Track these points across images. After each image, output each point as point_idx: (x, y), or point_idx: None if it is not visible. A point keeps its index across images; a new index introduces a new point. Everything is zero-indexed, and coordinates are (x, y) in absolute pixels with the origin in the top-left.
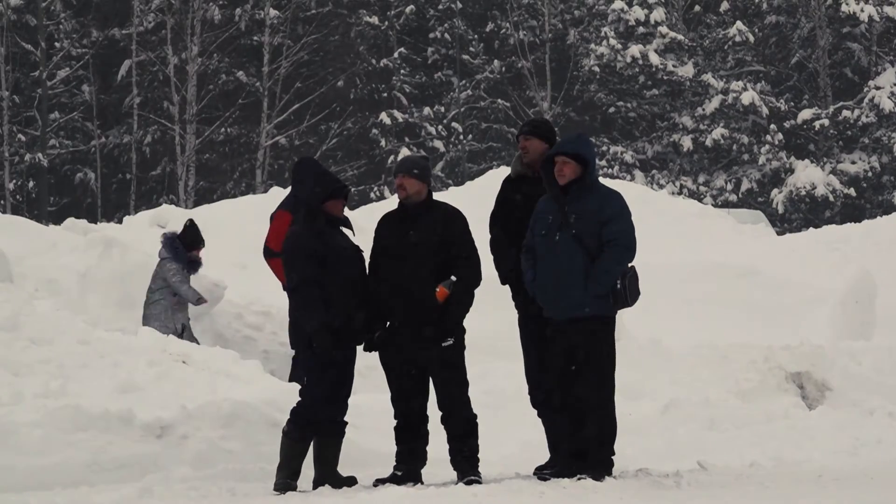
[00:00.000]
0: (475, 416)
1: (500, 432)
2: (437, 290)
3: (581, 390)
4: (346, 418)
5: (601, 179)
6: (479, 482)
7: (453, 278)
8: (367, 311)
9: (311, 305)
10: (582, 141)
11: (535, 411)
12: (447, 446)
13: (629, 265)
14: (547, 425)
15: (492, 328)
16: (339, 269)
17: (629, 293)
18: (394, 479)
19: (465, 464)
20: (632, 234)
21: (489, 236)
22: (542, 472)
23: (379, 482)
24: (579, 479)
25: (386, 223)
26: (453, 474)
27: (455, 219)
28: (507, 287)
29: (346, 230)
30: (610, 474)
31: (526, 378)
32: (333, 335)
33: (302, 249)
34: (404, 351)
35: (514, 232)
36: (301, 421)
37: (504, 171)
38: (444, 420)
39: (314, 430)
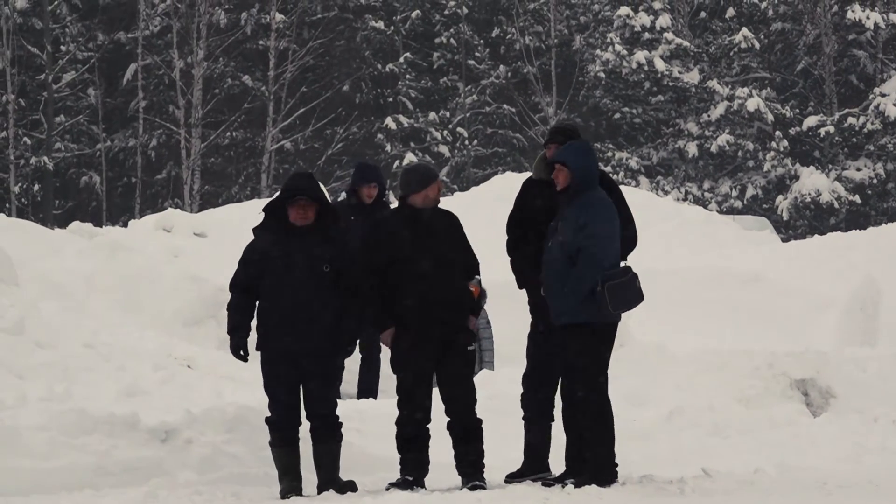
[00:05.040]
0: (480, 422)
1: (505, 438)
2: (473, 289)
3: (573, 398)
4: (345, 422)
5: None
6: (484, 487)
7: (478, 277)
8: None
9: (232, 308)
10: (569, 148)
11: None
12: (452, 451)
13: (627, 268)
14: (528, 429)
15: (498, 333)
16: (279, 277)
17: (612, 300)
18: (404, 485)
19: (470, 469)
20: (600, 242)
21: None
22: (547, 479)
23: (392, 486)
24: (583, 485)
25: (403, 227)
26: (458, 479)
27: (456, 221)
28: (516, 292)
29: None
30: (615, 480)
31: (522, 381)
32: (243, 344)
33: (244, 253)
34: (422, 355)
35: (534, 235)
36: (269, 426)
37: (510, 177)
38: (450, 425)
39: (287, 435)
